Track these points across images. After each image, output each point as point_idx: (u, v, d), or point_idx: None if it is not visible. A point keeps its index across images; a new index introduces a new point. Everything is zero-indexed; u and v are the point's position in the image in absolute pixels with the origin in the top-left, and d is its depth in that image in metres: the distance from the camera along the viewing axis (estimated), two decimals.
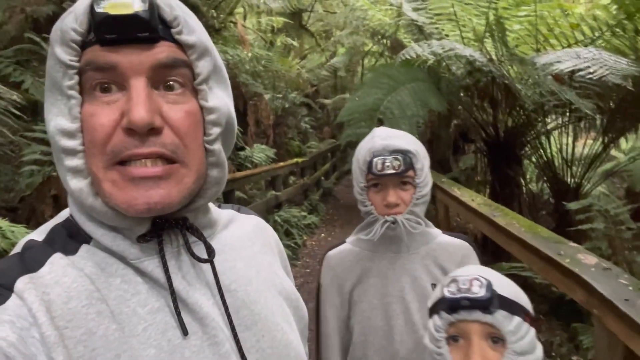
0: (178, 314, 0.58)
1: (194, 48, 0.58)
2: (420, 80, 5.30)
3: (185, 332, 0.58)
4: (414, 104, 4.85)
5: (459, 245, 1.30)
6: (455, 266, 1.24)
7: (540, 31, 4.99)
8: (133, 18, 0.54)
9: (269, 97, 8.90)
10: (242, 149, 7.07)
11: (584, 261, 1.97)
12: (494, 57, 4.79)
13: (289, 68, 9.33)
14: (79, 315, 0.53)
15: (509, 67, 4.67)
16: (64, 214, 0.64)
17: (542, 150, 5.61)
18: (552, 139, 5.76)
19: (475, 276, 0.91)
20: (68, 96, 0.55)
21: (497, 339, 0.88)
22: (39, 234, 0.61)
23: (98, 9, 0.54)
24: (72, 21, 0.55)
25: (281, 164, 7.18)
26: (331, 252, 1.35)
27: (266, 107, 8.77)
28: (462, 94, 5.93)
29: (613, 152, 7.31)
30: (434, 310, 0.96)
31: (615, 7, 4.56)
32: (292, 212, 6.91)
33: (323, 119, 13.39)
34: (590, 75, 3.37)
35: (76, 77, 0.55)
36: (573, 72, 4.28)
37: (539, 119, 5.59)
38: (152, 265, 0.59)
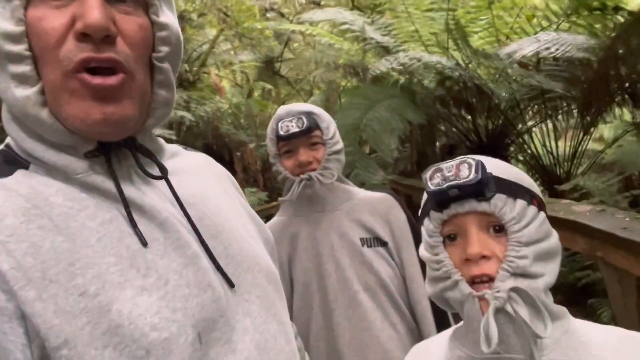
0: (131, 219, 0.55)
1: None
2: (396, 97, 5.40)
3: (142, 239, 0.55)
4: (393, 119, 4.92)
5: (381, 197, 1.32)
6: (380, 218, 1.26)
7: (501, 31, 5.17)
8: None
9: (254, 145, 9.00)
10: None
11: (579, 210, 1.95)
12: (460, 61, 4.93)
13: (270, 113, 9.50)
14: (19, 230, 0.50)
15: (477, 67, 4.79)
16: (1, 145, 0.61)
17: (526, 147, 5.67)
18: (535, 138, 5.84)
19: (463, 159, 0.73)
20: None
21: (499, 227, 0.72)
22: None
23: None
24: None
25: (274, 203, 7.15)
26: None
27: (252, 154, 8.86)
28: (438, 106, 6.05)
29: (598, 146, 7.41)
30: (423, 213, 0.80)
31: None
32: None
33: None
34: (553, 55, 3.45)
35: None
36: (539, 61, 4.40)
37: (517, 118, 5.68)
38: (100, 178, 0.56)
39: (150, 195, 0.59)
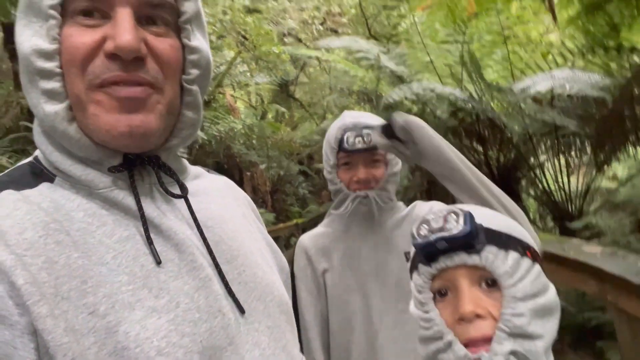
0: (148, 236, 0.56)
1: None
2: None
3: (157, 257, 0.55)
4: None
5: (429, 204, 1.29)
6: None
7: (515, 66, 5.19)
8: None
9: (265, 166, 9.04)
10: None
11: (589, 251, 1.91)
12: (473, 94, 4.95)
13: (282, 135, 9.58)
14: (37, 244, 0.51)
15: (490, 100, 4.80)
16: (32, 156, 0.63)
17: (538, 182, 5.62)
18: (547, 173, 5.80)
19: (450, 210, 0.70)
20: (47, 16, 0.54)
21: (492, 281, 0.68)
22: (2, 174, 0.60)
23: None
24: None
25: (281, 225, 7.15)
26: (304, 236, 1.32)
27: (262, 175, 8.90)
28: (450, 136, 6.04)
29: (611, 184, 7.33)
30: (412, 267, 0.76)
31: (582, 35, 4.79)
32: None
33: (320, 183, 13.50)
34: (568, 93, 3.45)
35: None
36: (553, 97, 4.40)
37: (530, 152, 5.66)
38: (122, 194, 0.57)
39: (169, 215, 0.60)
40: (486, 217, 0.72)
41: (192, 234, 0.60)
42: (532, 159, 5.77)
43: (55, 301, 0.48)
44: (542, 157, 5.90)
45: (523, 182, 6.00)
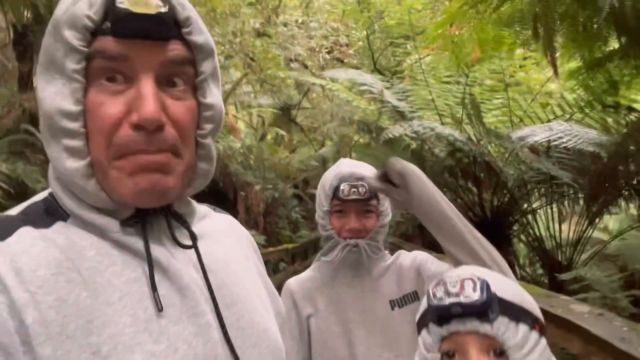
0: (152, 282, 0.57)
1: (201, 48, 0.61)
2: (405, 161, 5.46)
3: (159, 305, 0.56)
4: None
5: (412, 254, 1.31)
6: (413, 272, 1.24)
7: (514, 113, 5.29)
8: (154, 18, 0.55)
9: (260, 188, 9.06)
10: None
11: (577, 310, 1.92)
12: (472, 137, 5.02)
13: (280, 158, 9.62)
14: (49, 282, 0.52)
15: (488, 144, 4.87)
16: (44, 192, 0.64)
17: (530, 229, 5.65)
18: (539, 219, 5.84)
19: (468, 276, 0.73)
20: (71, 78, 0.56)
21: (500, 351, 0.71)
22: (15, 209, 0.61)
23: (119, 4, 0.55)
24: (86, 7, 0.56)
25: (271, 249, 7.11)
26: (291, 280, 1.34)
27: (256, 196, 8.90)
28: (446, 175, 6.10)
29: (602, 234, 7.38)
30: (421, 323, 0.79)
31: (581, 89, 4.91)
32: None
33: (313, 209, 13.47)
34: (564, 145, 3.51)
35: (84, 63, 0.55)
36: (549, 147, 4.48)
37: (523, 198, 5.71)
38: (133, 239, 0.59)
39: (177, 257, 0.62)
40: (501, 287, 0.74)
41: (198, 278, 0.62)
42: (525, 205, 5.82)
43: (59, 340, 0.50)
44: (536, 204, 5.95)
45: (515, 227, 6.02)
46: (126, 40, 0.55)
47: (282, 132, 10.14)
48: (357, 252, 1.23)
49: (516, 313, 0.71)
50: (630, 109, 4.22)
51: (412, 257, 1.30)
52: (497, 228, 5.86)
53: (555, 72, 4.14)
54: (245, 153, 8.65)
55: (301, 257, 9.35)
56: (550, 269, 5.28)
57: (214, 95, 0.64)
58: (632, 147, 4.26)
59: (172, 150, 0.58)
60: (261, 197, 8.96)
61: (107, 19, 0.55)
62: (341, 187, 1.23)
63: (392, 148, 5.58)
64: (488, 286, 0.71)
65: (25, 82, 6.48)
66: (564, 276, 3.93)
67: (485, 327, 0.70)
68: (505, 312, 0.71)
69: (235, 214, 8.50)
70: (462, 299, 0.70)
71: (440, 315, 0.72)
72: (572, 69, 4.77)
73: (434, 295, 0.73)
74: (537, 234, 5.57)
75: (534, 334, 0.71)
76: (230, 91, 7.73)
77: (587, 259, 5.58)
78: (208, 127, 0.62)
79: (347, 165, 1.28)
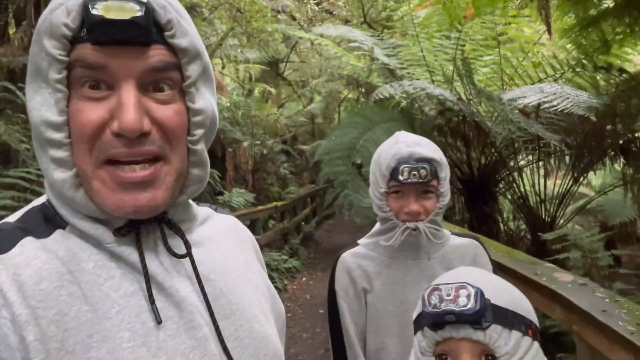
0: (150, 295, 0.57)
1: (185, 52, 0.58)
2: (395, 120, 5.43)
3: (157, 317, 0.57)
4: None
5: (470, 244, 1.30)
6: (469, 260, 1.24)
7: (505, 72, 5.24)
8: (129, 23, 0.53)
9: (248, 144, 8.98)
10: (221, 193, 7.03)
11: (560, 279, 1.99)
12: (462, 96, 4.98)
13: (267, 114, 9.48)
14: (51, 296, 0.53)
15: (478, 104, 4.85)
16: (42, 198, 0.63)
17: (515, 187, 5.74)
18: (525, 176, 5.93)
19: (462, 283, 0.74)
20: (55, 89, 0.55)
21: (492, 357, 0.73)
22: (14, 217, 0.60)
23: (93, 11, 0.53)
24: (63, 15, 0.54)
25: (260, 207, 7.14)
26: (346, 255, 1.30)
27: (244, 153, 8.83)
28: (435, 134, 6.10)
29: (584, 189, 7.54)
30: (417, 325, 0.80)
31: (573, 48, 4.85)
32: (272, 256, 6.80)
33: (302, 165, 13.50)
34: (555, 108, 3.51)
35: (64, 72, 0.54)
36: (539, 108, 4.47)
37: (511, 156, 5.76)
38: (128, 250, 0.59)
39: (172, 271, 0.61)
40: (495, 293, 0.75)
41: (193, 291, 0.62)
42: (512, 163, 5.89)
43: (59, 355, 0.50)
44: (522, 162, 6.02)
45: (501, 185, 6.11)
46: (105, 48, 0.54)
47: (270, 88, 9.95)
48: (417, 235, 1.19)
49: (509, 320, 0.73)
50: (622, 71, 4.20)
51: (472, 247, 1.29)
52: (484, 185, 5.96)
53: (549, 28, 4.07)
54: (233, 109, 8.50)
55: (290, 214, 9.44)
56: (534, 226, 5.43)
57: (203, 98, 0.62)
58: (622, 104, 4.28)
59: (160, 156, 0.57)
60: (249, 153, 8.91)
61: (84, 26, 0.54)
62: (400, 170, 1.15)
63: (382, 107, 5.52)
64: (482, 295, 0.72)
65: (2, 34, 6.19)
66: (547, 235, 4.04)
67: (478, 334, 0.71)
68: (498, 319, 0.72)
69: (223, 172, 8.45)
70: (455, 308, 0.72)
71: (435, 321, 0.74)
72: (565, 27, 4.69)
73: (429, 302, 0.74)
74: (522, 190, 5.67)
75: (527, 339, 0.73)
76: (216, 46, 7.49)
77: (570, 215, 5.74)
78: (199, 132, 0.61)
79: (405, 144, 1.19)
